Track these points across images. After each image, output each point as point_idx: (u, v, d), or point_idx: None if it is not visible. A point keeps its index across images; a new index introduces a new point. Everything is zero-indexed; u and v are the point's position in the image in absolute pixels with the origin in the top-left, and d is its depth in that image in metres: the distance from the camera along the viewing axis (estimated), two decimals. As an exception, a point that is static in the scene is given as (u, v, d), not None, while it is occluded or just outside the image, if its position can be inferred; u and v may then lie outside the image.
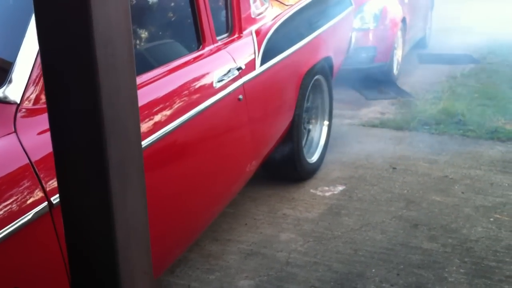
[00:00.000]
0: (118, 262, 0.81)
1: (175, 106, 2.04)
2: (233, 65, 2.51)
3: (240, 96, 2.52)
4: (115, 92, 0.75)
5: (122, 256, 0.81)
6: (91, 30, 0.69)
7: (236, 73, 2.51)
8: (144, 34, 2.28)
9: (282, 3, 3.42)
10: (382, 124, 4.65)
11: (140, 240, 0.85)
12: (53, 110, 0.75)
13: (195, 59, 2.35)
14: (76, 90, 0.73)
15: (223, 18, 2.75)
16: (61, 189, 0.79)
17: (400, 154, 3.96)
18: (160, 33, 2.47)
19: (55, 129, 0.76)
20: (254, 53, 2.75)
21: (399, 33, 6.06)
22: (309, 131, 3.72)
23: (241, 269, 2.61)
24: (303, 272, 2.57)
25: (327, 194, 3.38)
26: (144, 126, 1.83)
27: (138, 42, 2.18)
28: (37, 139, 1.47)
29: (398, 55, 6.17)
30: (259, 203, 3.26)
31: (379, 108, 5.16)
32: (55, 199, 1.41)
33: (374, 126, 4.64)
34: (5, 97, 1.50)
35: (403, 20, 6.14)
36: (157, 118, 1.92)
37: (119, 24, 0.74)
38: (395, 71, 6.10)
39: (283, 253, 2.73)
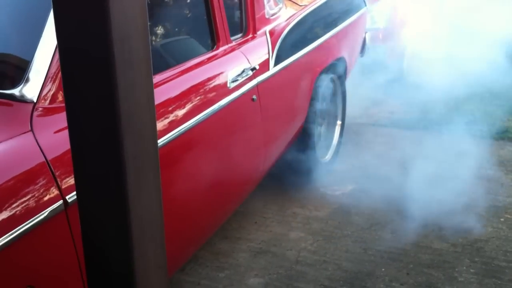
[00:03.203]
0: (133, 257, 0.82)
1: (189, 105, 2.06)
2: (247, 65, 2.52)
3: (254, 97, 2.53)
4: (131, 88, 0.75)
5: (137, 250, 0.82)
6: (109, 26, 0.70)
7: (250, 73, 2.52)
8: (158, 34, 2.29)
9: (296, 3, 3.42)
10: (392, 124, 4.64)
11: (155, 235, 0.86)
12: (71, 105, 0.76)
13: (210, 59, 2.36)
14: (93, 85, 0.74)
15: (237, 19, 2.76)
16: (77, 184, 0.80)
17: (410, 153, 3.95)
18: (175, 33, 2.48)
19: (72, 124, 0.77)
20: (268, 53, 2.76)
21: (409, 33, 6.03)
22: (322, 131, 3.72)
23: (250, 267, 2.62)
24: (312, 271, 2.57)
25: (337, 193, 3.38)
26: (158, 125, 1.83)
27: (152, 42, 2.19)
28: (53, 137, 1.48)
29: (408, 55, 6.15)
30: (269, 201, 3.27)
31: (389, 107, 5.15)
32: (70, 197, 1.42)
33: (383, 125, 4.63)
34: (22, 96, 1.52)
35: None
36: (171, 117, 1.93)
37: (136, 20, 0.74)
38: (405, 71, 6.08)
39: (292, 252, 2.74)
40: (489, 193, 3.31)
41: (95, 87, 0.74)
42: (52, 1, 0.72)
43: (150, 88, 0.80)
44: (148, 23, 0.78)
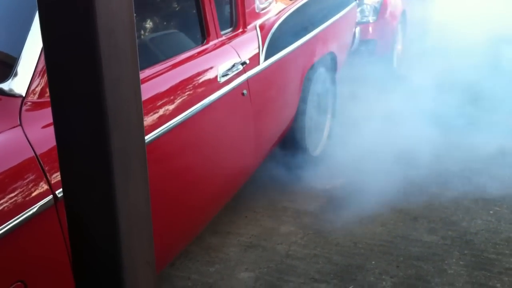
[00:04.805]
0: (121, 252, 0.81)
1: (180, 100, 2.05)
2: (237, 59, 2.51)
3: (244, 91, 2.53)
4: (117, 83, 0.75)
5: (124, 245, 0.81)
6: (94, 20, 0.70)
7: (241, 67, 2.52)
8: (148, 28, 2.28)
9: None
10: (382, 118, 4.63)
11: (142, 231, 0.86)
12: (56, 101, 0.75)
13: (200, 54, 2.35)
14: (79, 80, 0.73)
15: (227, 13, 2.75)
16: (63, 180, 0.79)
17: (400, 147, 3.95)
18: (165, 27, 2.47)
19: (58, 119, 0.76)
20: (258, 47, 2.75)
21: (399, 27, 6.05)
22: (312, 125, 3.72)
23: (241, 262, 2.62)
24: (303, 265, 2.58)
25: (327, 187, 3.39)
26: (148, 120, 1.83)
27: (142, 36, 2.18)
28: (42, 132, 1.47)
29: (398, 48, 6.16)
30: (259, 196, 3.27)
31: (379, 102, 5.14)
32: (60, 192, 1.41)
33: (373, 119, 4.62)
34: (11, 90, 1.51)
35: (403, 13, 6.13)
36: (161, 112, 1.92)
37: (122, 15, 0.73)
38: (395, 64, 6.09)
39: (283, 246, 2.74)
40: (479, 186, 3.33)
41: (80, 82, 0.73)
42: (36, -5, 0.71)
43: (137, 82, 0.79)
44: (135, 17, 0.78)
